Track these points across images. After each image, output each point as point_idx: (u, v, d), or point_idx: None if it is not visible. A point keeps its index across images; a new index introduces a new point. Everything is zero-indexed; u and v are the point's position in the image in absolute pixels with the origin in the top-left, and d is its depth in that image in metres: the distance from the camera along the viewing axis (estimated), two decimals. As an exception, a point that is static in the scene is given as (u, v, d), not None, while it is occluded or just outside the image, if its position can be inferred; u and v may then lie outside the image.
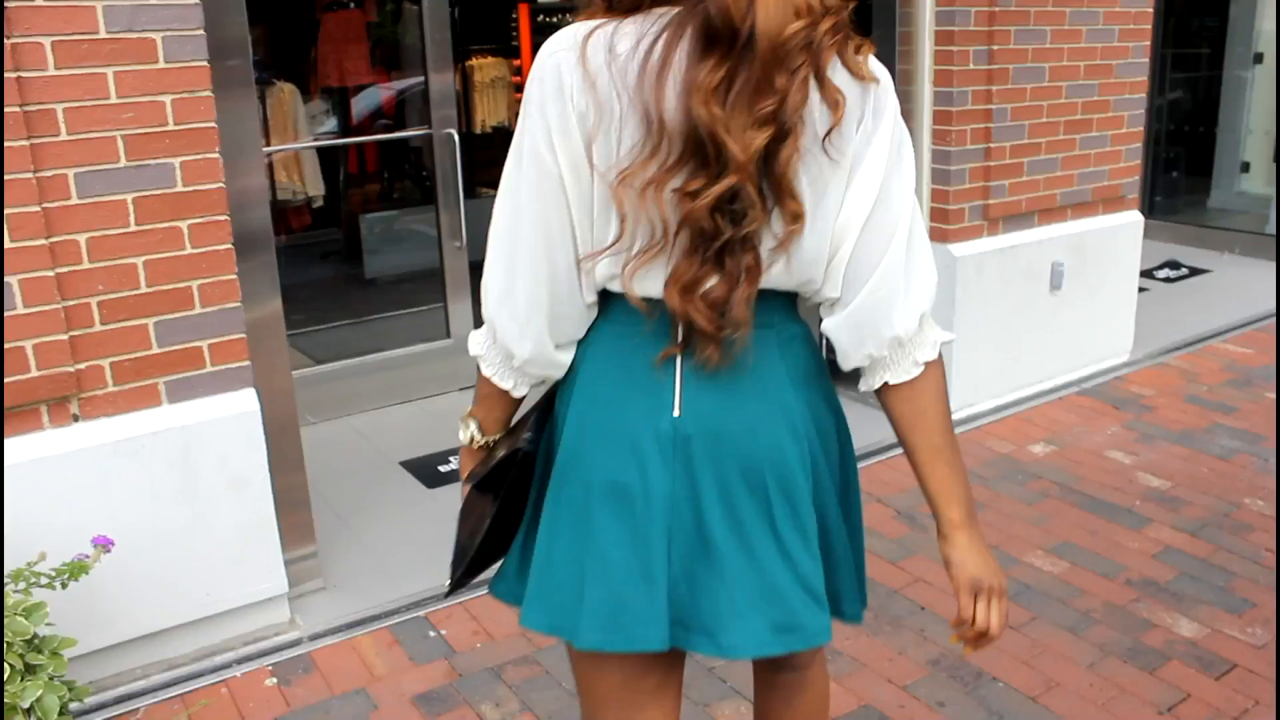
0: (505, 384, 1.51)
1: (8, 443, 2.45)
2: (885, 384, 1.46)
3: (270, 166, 6.06)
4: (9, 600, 2.03)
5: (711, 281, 1.32)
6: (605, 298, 1.44)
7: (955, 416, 4.17)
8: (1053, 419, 4.22)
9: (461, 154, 4.49)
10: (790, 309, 1.47)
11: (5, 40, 2.25)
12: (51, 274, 2.40)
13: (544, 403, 1.55)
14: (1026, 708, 2.53)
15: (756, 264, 1.33)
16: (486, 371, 1.51)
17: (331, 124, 6.47)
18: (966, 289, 4.09)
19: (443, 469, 3.93)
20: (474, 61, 8.71)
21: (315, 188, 6.31)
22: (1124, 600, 2.95)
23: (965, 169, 4.03)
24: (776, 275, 1.37)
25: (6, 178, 2.31)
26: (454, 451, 4.04)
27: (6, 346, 2.38)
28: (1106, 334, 4.68)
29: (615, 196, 1.31)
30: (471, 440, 1.58)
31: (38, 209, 2.35)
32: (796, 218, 1.33)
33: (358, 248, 6.02)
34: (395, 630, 2.91)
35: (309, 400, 4.32)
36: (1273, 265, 6.30)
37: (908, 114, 4.00)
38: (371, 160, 7.01)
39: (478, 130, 8.75)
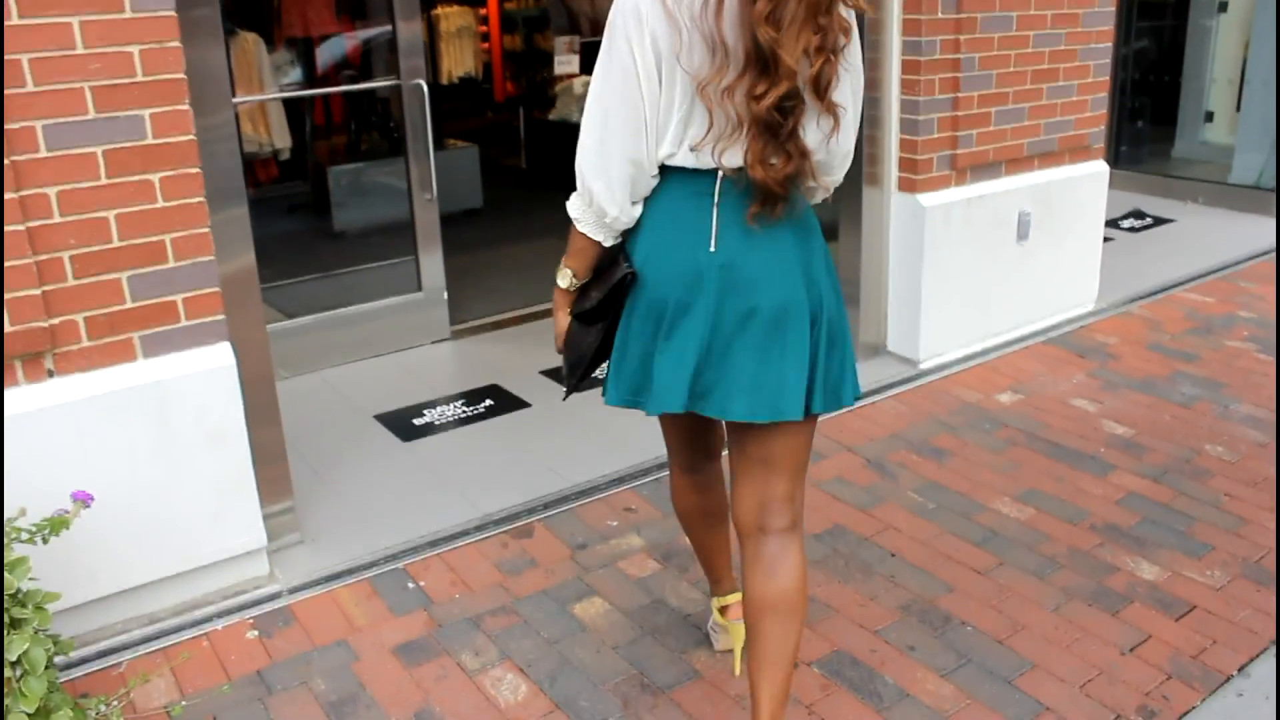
0: (598, 236, 1.99)
1: (-18, 399, 2.44)
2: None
3: (235, 118, 5.96)
4: (-10, 556, 2.03)
5: (777, 159, 1.83)
6: (661, 172, 1.93)
7: (923, 366, 4.23)
8: (1019, 367, 4.29)
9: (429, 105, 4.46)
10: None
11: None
12: (22, 228, 2.38)
13: (619, 250, 2.02)
14: (994, 650, 2.60)
15: (805, 153, 1.86)
16: (582, 229, 1.99)
17: (296, 74, 6.37)
18: (934, 238, 4.12)
19: (417, 422, 3.94)
20: (440, 10, 8.60)
21: (282, 140, 6.23)
22: (1088, 545, 3.03)
23: (933, 119, 4.05)
24: (815, 153, 1.89)
25: (-27, 131, 2.29)
26: (427, 405, 4.06)
27: (-23, 302, 2.37)
28: (1072, 283, 4.75)
29: (703, 99, 1.80)
30: (570, 284, 2.08)
31: (5, 161, 2.32)
32: (838, 116, 1.86)
33: (325, 200, 5.96)
34: (374, 582, 2.94)
35: (280, 354, 4.29)
36: (1235, 215, 6.40)
37: (876, 64, 4.01)
38: (338, 112, 6.92)
39: (444, 81, 8.66)
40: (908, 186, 4.11)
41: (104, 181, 2.46)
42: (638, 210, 1.97)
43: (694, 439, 2.30)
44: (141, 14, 2.41)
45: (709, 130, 1.82)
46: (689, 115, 1.84)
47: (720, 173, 1.88)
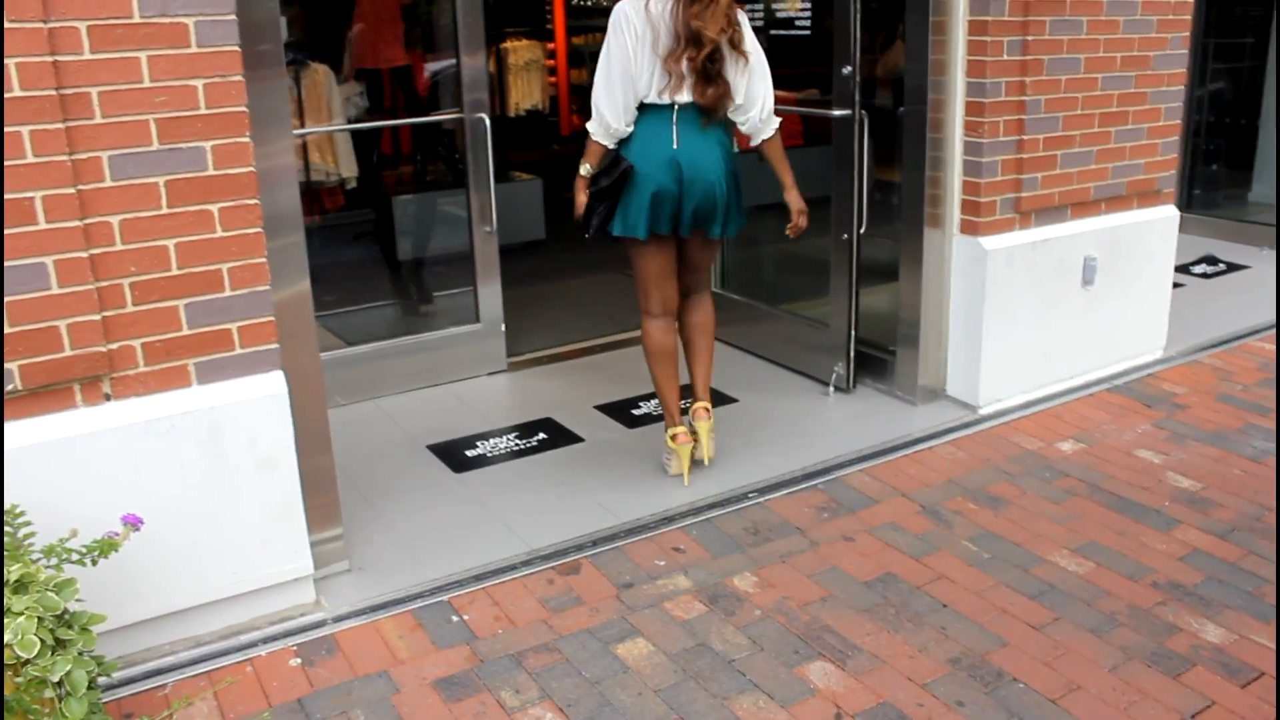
0: (605, 142, 3.36)
1: (41, 420, 2.49)
2: (763, 140, 3.46)
3: (304, 147, 6.08)
4: (41, 576, 2.06)
5: (710, 91, 3.26)
6: (642, 108, 3.32)
7: (983, 411, 4.16)
8: (1082, 416, 4.19)
9: (494, 137, 4.50)
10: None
11: (32, 25, 2.29)
12: (85, 255, 2.43)
13: (615, 154, 3.37)
14: (1046, 710, 2.51)
15: (727, 84, 3.30)
16: (596, 139, 3.36)
17: (364, 105, 6.48)
18: (996, 282, 4.05)
19: (469, 453, 3.95)
20: (509, 44, 8.72)
21: (348, 169, 6.32)
22: (1149, 603, 2.93)
23: (997, 161, 3.99)
24: (735, 89, 3.33)
25: (44, 159, 2.34)
26: (480, 437, 4.08)
27: (41, 325, 2.42)
28: (1139, 330, 4.64)
29: (666, 65, 3.22)
30: (588, 173, 3.39)
31: (72, 191, 2.38)
32: (747, 60, 3.31)
33: (390, 230, 6.04)
34: (418, 614, 2.94)
35: (339, 381, 4.36)
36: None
37: (939, 105, 3.97)
38: (405, 142, 7.02)
39: (511, 113, 8.75)
40: (970, 229, 4.06)
41: (165, 211, 2.51)
42: (629, 128, 3.34)
43: (670, 282, 3.57)
44: (206, 49, 2.46)
45: (669, 82, 3.26)
46: (653, 74, 3.25)
47: (675, 105, 3.30)
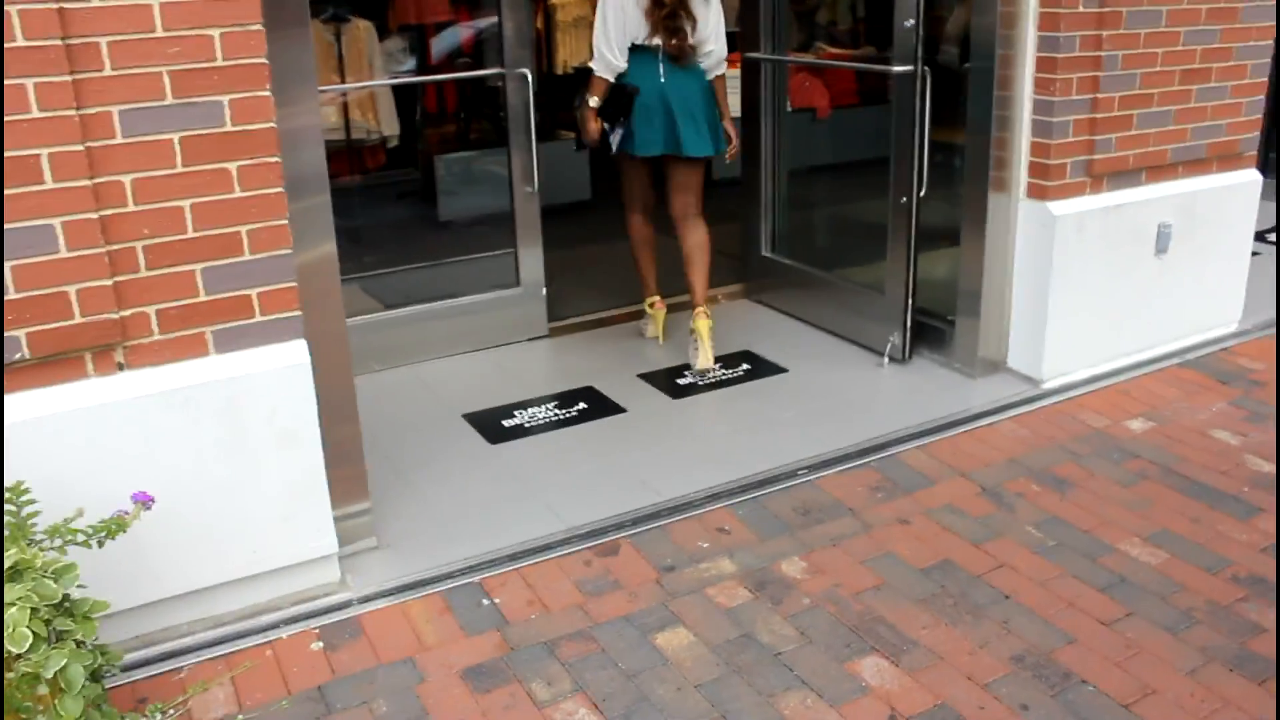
0: (607, 76, 4.04)
1: (50, 391, 2.36)
2: (715, 76, 4.17)
3: (345, 105, 5.93)
4: (38, 562, 1.93)
5: (674, 42, 4.00)
6: (634, 48, 4.04)
7: (1047, 386, 3.94)
8: (1153, 392, 3.95)
9: (539, 95, 4.32)
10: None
11: (45, -33, 2.13)
12: (95, 216, 2.29)
13: (618, 86, 4.06)
14: (1119, 716, 2.32)
15: (687, 33, 4.03)
16: (599, 74, 4.04)
17: (410, 62, 6.31)
18: (1065, 250, 3.82)
19: (506, 423, 3.80)
20: (557, 1, 8.48)
21: (390, 127, 6.16)
22: (1229, 599, 2.72)
23: (1069, 121, 3.74)
24: (699, 37, 4.06)
25: (49, 114, 2.20)
26: (518, 406, 3.94)
27: (49, 291, 2.28)
28: (1214, 301, 4.38)
29: (647, 16, 3.98)
30: (597, 104, 4.08)
31: (80, 148, 2.24)
32: (702, 17, 4.07)
33: (432, 189, 5.88)
34: (447, 596, 2.80)
35: (376, 346, 4.23)
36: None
37: (1008, 61, 3.72)
38: (450, 100, 6.84)
39: (559, 71, 8.52)
40: (1037, 193, 3.82)
41: (180, 169, 2.36)
42: (625, 65, 4.01)
43: (648, 189, 4.35)
44: (223, -5, 2.30)
45: (650, 30, 3.97)
46: (640, 24, 3.96)
47: (658, 48, 3.99)
